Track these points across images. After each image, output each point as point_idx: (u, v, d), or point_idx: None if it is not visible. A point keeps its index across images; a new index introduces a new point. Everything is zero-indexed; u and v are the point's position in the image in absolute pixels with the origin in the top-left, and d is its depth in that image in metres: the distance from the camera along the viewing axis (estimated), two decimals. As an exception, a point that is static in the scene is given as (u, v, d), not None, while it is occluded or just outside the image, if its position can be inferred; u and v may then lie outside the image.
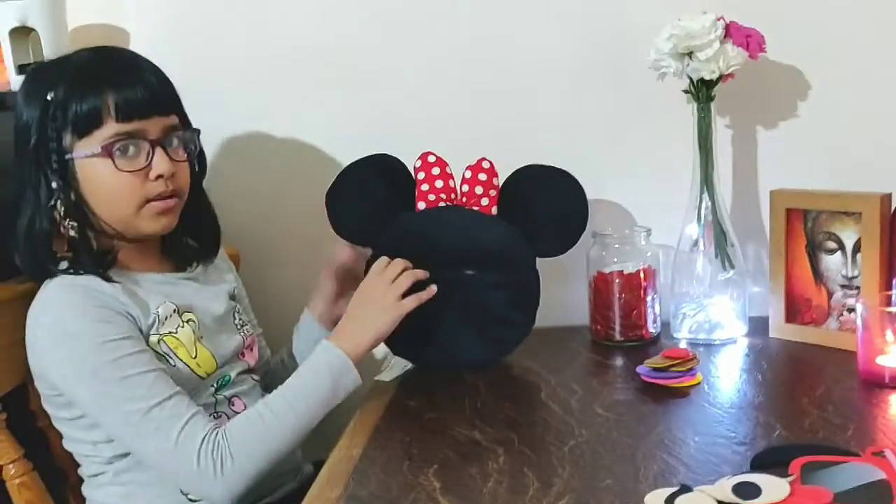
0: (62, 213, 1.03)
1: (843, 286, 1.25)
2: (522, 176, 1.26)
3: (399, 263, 1.17)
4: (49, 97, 1.02)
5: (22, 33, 1.37)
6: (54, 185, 1.03)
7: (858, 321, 1.10)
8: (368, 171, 1.26)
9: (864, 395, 1.06)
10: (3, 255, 1.06)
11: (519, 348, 1.24)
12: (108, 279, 1.04)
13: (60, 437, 1.11)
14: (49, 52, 1.35)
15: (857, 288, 1.22)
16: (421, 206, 1.24)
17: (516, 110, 1.43)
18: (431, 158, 1.25)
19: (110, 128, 1.02)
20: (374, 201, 1.24)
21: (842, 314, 1.25)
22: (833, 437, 0.93)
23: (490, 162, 1.25)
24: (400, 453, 0.97)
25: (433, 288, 1.17)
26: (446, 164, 1.25)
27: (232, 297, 1.20)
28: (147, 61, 1.09)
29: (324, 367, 1.08)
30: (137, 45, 1.45)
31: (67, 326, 1.00)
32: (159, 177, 1.05)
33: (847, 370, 1.13)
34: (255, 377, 1.19)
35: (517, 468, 0.91)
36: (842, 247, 1.24)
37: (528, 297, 1.23)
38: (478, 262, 1.21)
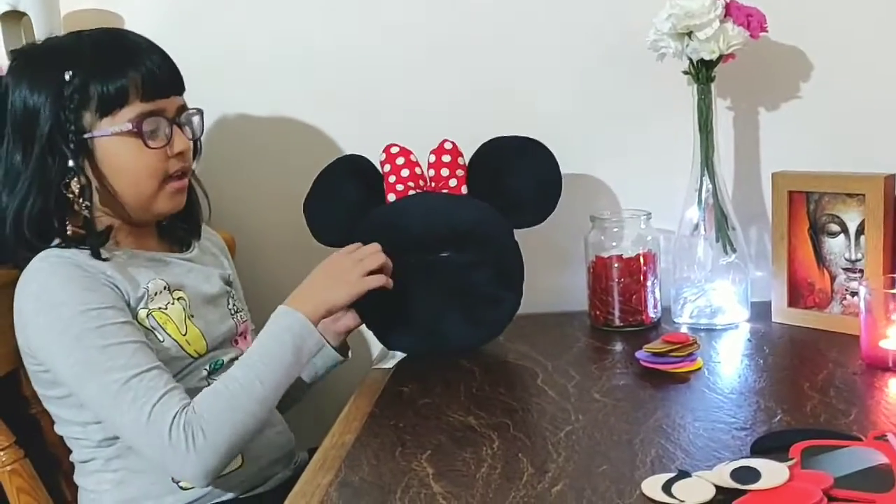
0: (77, 193, 1.03)
1: (846, 269, 1.23)
2: (488, 150, 1.25)
3: (371, 246, 1.16)
4: (67, 77, 1.01)
5: (14, 17, 1.35)
6: (71, 164, 1.02)
7: (861, 305, 1.09)
8: (338, 173, 1.27)
9: (866, 379, 1.04)
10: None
11: (515, 333, 1.23)
12: (98, 255, 1.03)
13: (53, 423, 1.10)
14: (41, 36, 1.33)
15: (861, 271, 1.21)
16: (391, 197, 1.24)
17: (515, 94, 1.42)
18: (394, 149, 1.24)
19: (136, 107, 1.03)
20: (346, 202, 1.25)
21: (845, 298, 1.23)
22: (835, 422, 0.92)
23: (452, 142, 1.24)
24: (393, 439, 0.95)
25: (390, 282, 1.15)
26: (410, 153, 1.24)
27: (227, 283, 1.19)
28: (155, 43, 1.10)
29: (285, 332, 1.06)
30: (131, 30, 1.44)
31: (52, 295, 1.00)
32: (178, 154, 1.07)
33: (850, 354, 1.11)
34: None
35: (511, 454, 0.89)
36: (845, 229, 1.22)
37: (510, 272, 1.22)
38: (452, 242, 1.19)
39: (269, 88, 1.46)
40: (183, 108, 1.10)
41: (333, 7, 1.43)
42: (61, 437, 1.09)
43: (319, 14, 1.43)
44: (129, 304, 1.03)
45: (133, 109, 1.03)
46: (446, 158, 1.23)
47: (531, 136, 1.25)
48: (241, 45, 1.45)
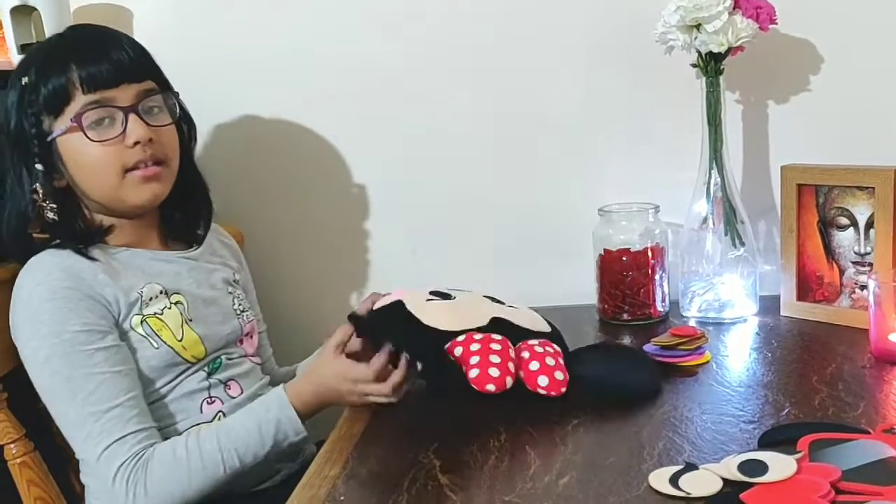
0: (41, 196, 1.03)
1: (855, 263, 1.22)
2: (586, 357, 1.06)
3: (381, 387, 1.00)
4: (24, 82, 1.03)
5: (24, 12, 1.36)
6: (38, 167, 1.03)
7: (871, 298, 1.08)
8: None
9: (875, 373, 1.04)
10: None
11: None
12: (89, 257, 1.03)
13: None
14: (51, 31, 1.34)
15: (870, 264, 1.20)
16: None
17: (523, 87, 1.41)
18: (495, 346, 0.98)
19: (79, 101, 1.02)
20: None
21: (854, 291, 1.23)
22: (843, 415, 0.91)
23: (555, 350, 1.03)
24: (400, 431, 0.96)
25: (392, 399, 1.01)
26: (510, 347, 1.00)
27: (233, 283, 1.19)
28: (117, 32, 1.09)
29: (272, 425, 1.01)
30: (141, 25, 1.45)
31: (34, 308, 1.00)
32: (136, 143, 1.04)
33: (859, 348, 1.11)
34: (255, 360, 1.18)
35: (519, 446, 0.89)
36: (854, 223, 1.21)
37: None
38: None
39: (277, 86, 1.46)
40: (145, 93, 1.05)
41: (340, 7, 1.43)
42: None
43: (328, 14, 1.43)
44: (117, 317, 1.02)
45: (77, 104, 1.02)
46: (550, 362, 1.00)
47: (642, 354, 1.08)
48: (252, 41, 1.45)
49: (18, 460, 1.05)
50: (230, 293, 1.17)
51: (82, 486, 1.12)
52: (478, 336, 0.99)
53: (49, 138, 1.03)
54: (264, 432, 1.01)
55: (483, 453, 0.88)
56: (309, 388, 1.04)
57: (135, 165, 1.05)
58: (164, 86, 1.10)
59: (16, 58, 1.36)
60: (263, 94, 1.47)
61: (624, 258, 1.28)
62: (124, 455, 0.97)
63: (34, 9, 1.35)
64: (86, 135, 1.02)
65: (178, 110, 1.10)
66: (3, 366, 1.06)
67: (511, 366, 0.97)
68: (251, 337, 1.18)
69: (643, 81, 1.38)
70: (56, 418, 1.00)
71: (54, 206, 1.04)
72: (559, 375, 0.99)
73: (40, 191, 1.04)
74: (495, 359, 0.96)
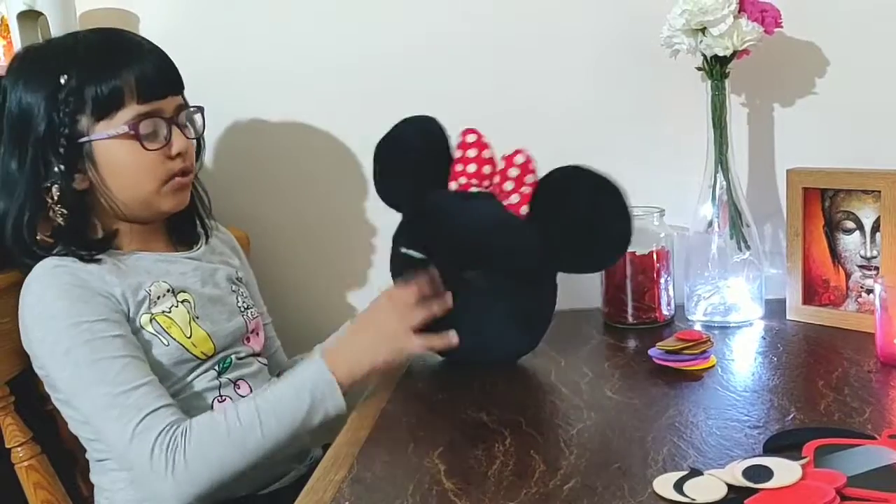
0: (55, 199, 1.02)
1: (861, 266, 1.22)
2: (560, 180, 1.11)
3: (413, 291, 1.07)
4: (62, 80, 1.01)
5: (30, 17, 1.36)
6: (57, 169, 1.02)
7: (877, 302, 1.08)
8: (413, 133, 1.20)
9: (882, 378, 1.04)
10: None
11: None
12: (96, 260, 1.03)
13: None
14: (58, 35, 1.34)
15: (876, 268, 1.20)
16: (452, 185, 1.16)
17: (527, 91, 1.41)
18: (470, 137, 1.16)
19: (132, 109, 1.03)
20: (408, 165, 1.19)
21: (860, 295, 1.22)
22: (849, 420, 0.91)
23: (526, 156, 1.13)
24: (406, 435, 0.96)
25: (454, 338, 1.08)
26: (485, 147, 1.15)
27: (236, 281, 1.19)
28: (151, 42, 1.09)
29: (308, 387, 1.01)
30: (147, 29, 1.46)
31: (46, 307, 1.00)
32: (178, 154, 1.07)
33: (865, 352, 1.11)
34: (262, 360, 1.19)
35: (524, 451, 0.89)
36: (860, 226, 1.21)
37: (530, 314, 1.14)
38: (483, 261, 1.11)
39: (283, 89, 1.46)
40: (182, 107, 1.09)
41: (346, 11, 1.43)
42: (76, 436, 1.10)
43: (333, 17, 1.44)
44: (127, 312, 1.03)
45: (129, 112, 1.03)
46: (513, 172, 1.12)
47: (611, 178, 1.09)
48: (256, 45, 1.46)
49: (25, 463, 1.05)
50: (234, 291, 1.17)
51: (89, 489, 1.13)
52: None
53: (84, 140, 1.03)
54: (300, 391, 1.00)
55: (488, 458, 0.88)
56: (344, 347, 1.07)
57: (173, 175, 1.07)
58: (186, 100, 1.12)
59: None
60: (269, 97, 1.47)
61: (629, 262, 1.28)
62: (161, 425, 0.95)
63: (41, 13, 1.35)
64: (142, 144, 1.03)
65: (203, 126, 1.14)
66: (11, 369, 1.06)
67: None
68: (257, 334, 1.19)
69: (648, 85, 1.38)
70: (83, 409, 0.99)
71: (65, 211, 1.03)
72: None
73: (56, 193, 1.02)
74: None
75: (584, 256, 1.12)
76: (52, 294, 1.00)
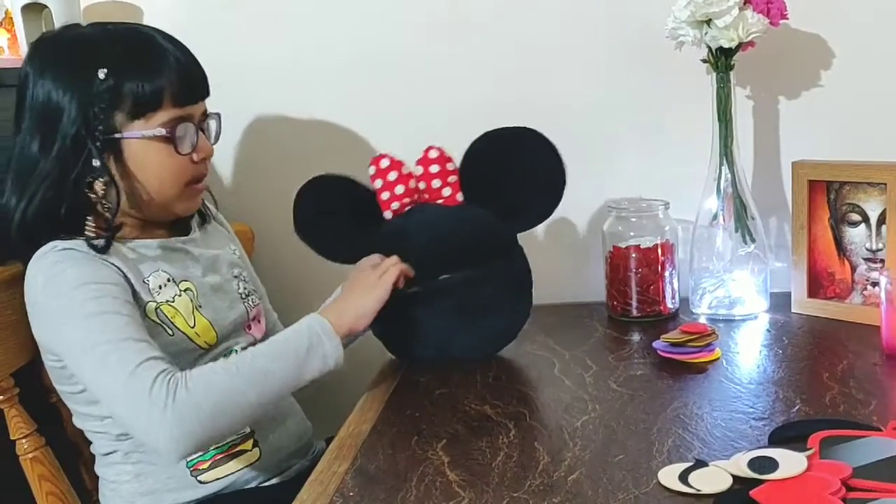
0: (101, 194, 1.01)
1: (866, 259, 1.22)
2: (479, 149, 1.15)
3: (391, 259, 1.13)
4: (101, 75, 0.99)
5: (34, 10, 1.37)
6: (96, 163, 1.00)
7: (882, 295, 1.07)
8: (325, 196, 1.21)
9: (887, 370, 1.03)
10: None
11: (533, 323, 1.22)
12: (106, 250, 1.02)
13: (72, 414, 1.11)
14: (61, 29, 1.34)
15: (882, 261, 1.19)
16: (387, 215, 1.18)
17: (532, 85, 1.41)
18: (384, 163, 1.17)
19: (169, 111, 1.02)
20: (342, 225, 1.19)
21: (865, 288, 1.22)
22: (854, 412, 0.91)
23: (437, 148, 1.17)
24: (409, 428, 0.96)
25: (407, 267, 1.12)
26: (402, 164, 1.17)
27: (237, 265, 1.18)
28: (181, 44, 1.07)
29: (304, 328, 1.03)
30: (150, 23, 1.44)
31: (58, 278, 0.98)
32: (203, 159, 1.07)
33: (870, 345, 1.10)
34: None
35: (527, 443, 0.89)
36: (866, 219, 1.21)
37: (516, 281, 1.17)
38: (453, 263, 1.13)
39: (289, 86, 1.46)
40: (206, 112, 1.09)
41: (352, 8, 1.43)
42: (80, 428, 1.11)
43: (341, 14, 1.43)
44: (134, 294, 1.02)
45: (166, 114, 1.02)
46: (434, 168, 1.16)
47: (523, 126, 1.14)
48: (261, 41, 1.45)
49: (30, 455, 1.05)
50: (235, 277, 1.16)
51: (94, 481, 1.13)
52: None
53: (117, 136, 1.01)
54: (298, 332, 1.02)
55: (492, 450, 0.88)
56: (332, 305, 1.10)
57: (194, 179, 1.08)
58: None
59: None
60: (274, 94, 1.47)
61: (634, 255, 1.28)
62: (162, 367, 0.93)
63: (45, 6, 1.35)
64: (176, 148, 1.03)
65: (220, 131, 1.13)
66: (15, 361, 1.06)
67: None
68: (258, 321, 1.18)
69: (653, 78, 1.38)
70: (80, 363, 0.96)
71: (111, 205, 1.02)
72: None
73: (100, 189, 1.01)
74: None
75: (534, 211, 1.18)
76: (64, 266, 0.98)
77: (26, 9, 1.35)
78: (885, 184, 1.17)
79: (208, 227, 1.19)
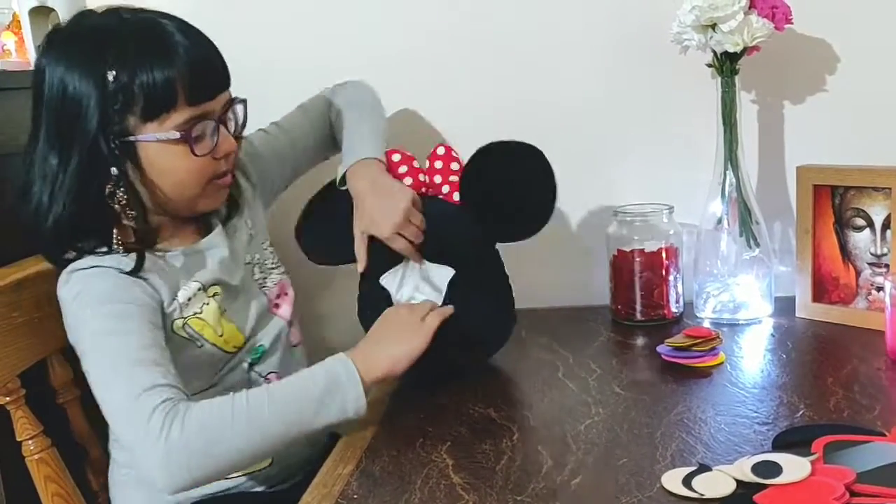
0: (123, 202, 0.98)
1: (871, 264, 1.22)
2: (480, 157, 1.14)
3: (428, 302, 1.08)
4: (110, 77, 0.94)
5: (42, 13, 1.37)
6: (114, 171, 0.96)
7: (887, 300, 1.07)
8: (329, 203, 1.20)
9: (891, 375, 1.03)
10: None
11: (537, 327, 1.23)
12: (139, 269, 0.99)
13: (79, 413, 1.12)
14: (68, 32, 1.35)
15: (886, 266, 1.19)
16: None
17: (536, 89, 1.41)
18: (395, 157, 1.17)
19: (183, 112, 0.97)
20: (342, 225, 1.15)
21: (870, 293, 1.22)
22: (859, 417, 0.91)
23: (445, 147, 1.18)
24: (414, 430, 0.96)
25: (450, 308, 1.08)
26: (412, 159, 1.18)
27: (250, 248, 1.13)
28: (198, 33, 1.01)
29: (323, 372, 0.96)
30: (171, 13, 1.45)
31: (87, 291, 0.97)
32: (225, 155, 1.03)
33: (875, 350, 1.10)
34: (295, 342, 1.15)
35: (531, 446, 0.89)
36: (870, 223, 1.21)
37: (496, 292, 1.15)
38: (441, 260, 1.11)
39: (299, 84, 1.45)
40: (229, 102, 1.03)
41: (358, 6, 1.43)
42: (90, 426, 1.11)
43: (347, 13, 1.43)
44: (164, 312, 1.00)
45: (181, 115, 0.97)
46: (438, 164, 1.17)
47: (525, 141, 1.13)
48: (268, 37, 1.45)
49: (36, 456, 1.06)
50: (247, 264, 1.11)
51: (99, 483, 1.14)
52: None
53: (131, 139, 0.97)
54: (317, 378, 0.94)
55: (496, 453, 0.88)
56: (364, 346, 1.02)
57: (216, 176, 1.03)
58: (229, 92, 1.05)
59: (35, 58, 1.37)
60: (284, 92, 1.46)
61: (638, 259, 1.28)
62: (169, 393, 0.90)
63: (52, 9, 1.36)
64: (192, 150, 0.98)
65: (246, 119, 1.07)
66: (22, 363, 1.07)
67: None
68: (286, 293, 1.15)
69: (658, 82, 1.38)
70: (94, 375, 0.95)
71: (134, 213, 0.98)
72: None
73: (122, 199, 0.97)
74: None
75: (521, 227, 1.15)
76: (98, 280, 0.97)
77: (33, 12, 1.36)
78: (890, 188, 1.17)
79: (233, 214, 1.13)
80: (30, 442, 1.06)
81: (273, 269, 1.16)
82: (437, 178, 1.17)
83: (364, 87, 1.27)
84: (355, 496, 0.82)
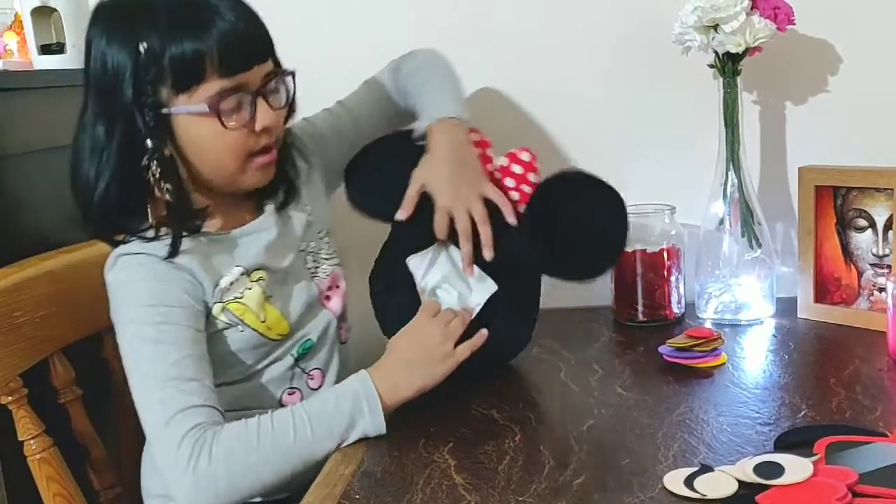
0: (157, 175, 0.95)
1: (873, 265, 1.22)
2: (558, 182, 1.11)
3: (449, 312, 1.06)
4: (141, 48, 0.92)
5: (44, 13, 1.37)
6: (149, 143, 0.95)
7: (889, 301, 1.07)
8: (388, 149, 1.16)
9: (893, 376, 1.03)
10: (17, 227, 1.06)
11: (540, 327, 1.22)
12: (175, 253, 0.98)
13: (81, 413, 1.12)
14: (71, 31, 1.35)
15: (888, 266, 1.19)
16: None
17: (538, 89, 1.41)
18: (474, 136, 1.13)
19: (214, 83, 0.94)
20: (394, 176, 1.10)
21: (872, 294, 1.22)
22: (861, 418, 0.91)
23: (531, 154, 1.13)
24: (416, 430, 0.96)
25: (484, 332, 1.05)
26: (488, 145, 1.14)
27: (304, 236, 1.10)
28: (238, 2, 0.97)
29: (346, 399, 0.95)
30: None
31: (133, 285, 0.97)
32: (264, 129, 0.99)
33: (877, 350, 1.10)
34: (343, 339, 1.13)
35: (533, 447, 0.89)
36: (872, 224, 1.21)
37: (523, 305, 1.12)
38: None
39: (311, 82, 1.45)
40: (270, 74, 0.99)
41: (359, 6, 1.43)
42: (93, 426, 1.11)
43: (352, 10, 1.43)
44: (206, 301, 0.99)
45: (211, 87, 0.94)
46: (517, 169, 1.11)
47: (607, 182, 1.12)
48: (273, 37, 1.44)
49: (38, 456, 1.06)
50: (301, 251, 1.09)
51: (101, 483, 1.14)
52: None
53: (165, 111, 0.95)
54: (341, 402, 0.94)
55: (498, 453, 0.88)
56: (390, 366, 1.00)
57: (257, 152, 1.00)
58: (277, 62, 1.02)
59: (37, 59, 1.37)
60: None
61: (640, 259, 1.28)
62: (200, 418, 0.91)
63: (54, 10, 1.36)
64: (222, 123, 0.95)
65: (294, 92, 1.04)
66: (24, 362, 1.07)
67: None
68: (337, 286, 1.12)
69: (659, 82, 1.38)
70: (133, 384, 0.95)
71: (169, 186, 0.96)
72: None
73: (157, 170, 0.95)
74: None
75: (577, 265, 1.12)
76: (141, 273, 0.97)
77: (35, 12, 1.36)
78: (892, 189, 1.17)
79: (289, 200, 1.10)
80: (31, 442, 1.06)
81: (327, 259, 1.13)
82: (510, 182, 1.11)
83: (436, 53, 1.22)
84: (357, 496, 0.82)
